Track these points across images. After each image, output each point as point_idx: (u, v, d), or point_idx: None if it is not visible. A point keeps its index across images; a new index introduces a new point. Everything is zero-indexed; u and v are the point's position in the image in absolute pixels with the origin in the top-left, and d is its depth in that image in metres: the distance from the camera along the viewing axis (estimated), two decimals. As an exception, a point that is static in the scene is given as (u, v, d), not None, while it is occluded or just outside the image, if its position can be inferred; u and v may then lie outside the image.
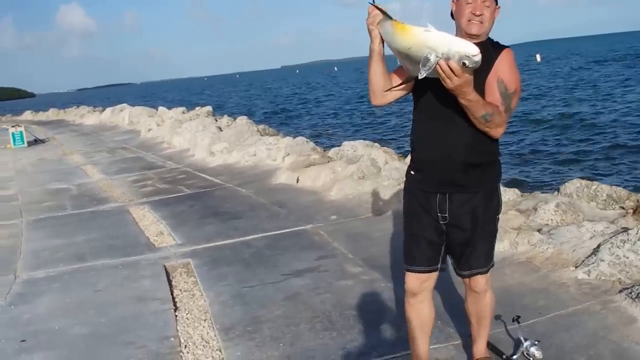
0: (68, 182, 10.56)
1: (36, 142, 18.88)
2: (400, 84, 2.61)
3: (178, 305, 4.43)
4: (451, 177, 2.63)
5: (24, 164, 13.84)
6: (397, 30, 2.32)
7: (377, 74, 2.63)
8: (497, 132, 2.54)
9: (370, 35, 2.53)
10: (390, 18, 2.39)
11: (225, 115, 17.15)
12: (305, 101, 43.38)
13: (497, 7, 2.60)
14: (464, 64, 2.18)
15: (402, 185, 2.93)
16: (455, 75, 2.23)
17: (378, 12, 2.45)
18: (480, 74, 2.39)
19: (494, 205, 2.74)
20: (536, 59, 64.00)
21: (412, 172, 2.79)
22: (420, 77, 2.25)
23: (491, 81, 2.51)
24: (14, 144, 17.68)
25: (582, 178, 6.14)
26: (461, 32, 2.59)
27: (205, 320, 4.11)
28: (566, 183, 6.07)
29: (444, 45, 2.18)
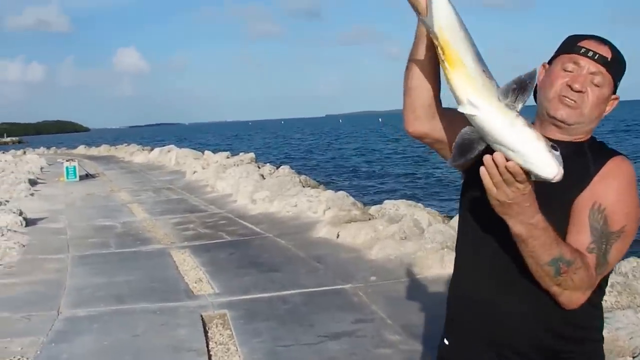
0: (114, 219, 10.70)
1: (87, 176, 19.33)
2: None
3: (213, 358, 4.36)
4: None
5: (74, 197, 14.13)
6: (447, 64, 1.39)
7: (421, 59, 1.58)
8: (571, 298, 1.48)
9: (416, 8, 1.50)
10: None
11: (268, 164, 17.32)
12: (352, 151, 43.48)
13: (615, 97, 1.64)
14: (527, 173, 1.33)
15: (447, 249, 2.28)
16: (513, 181, 1.32)
17: None
18: (563, 191, 1.45)
19: None
20: None
21: (446, 342, 1.77)
22: (450, 163, 1.46)
23: (581, 206, 1.50)
24: (67, 178, 18.13)
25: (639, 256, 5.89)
26: (542, 114, 1.65)
27: (239, 377, 4.02)
28: (621, 261, 5.83)
29: (517, 151, 1.31)
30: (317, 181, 15.54)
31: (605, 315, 4.35)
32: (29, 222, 9.96)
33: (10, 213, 9.72)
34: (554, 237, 1.42)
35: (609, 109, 1.65)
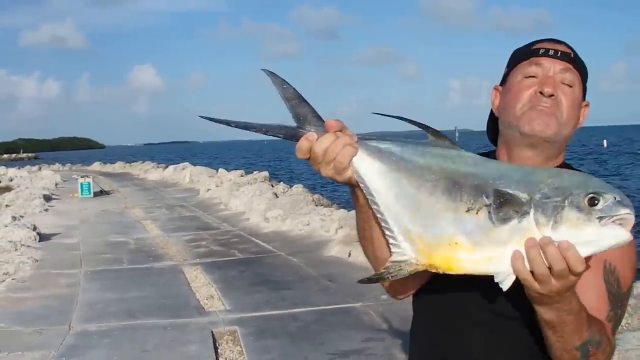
0: (127, 235, 10.79)
1: (101, 193, 19.51)
2: None
3: (222, 375, 4.37)
4: None
5: (88, 214, 14.27)
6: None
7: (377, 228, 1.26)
8: None
9: (347, 182, 1.23)
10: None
11: (282, 182, 17.38)
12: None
13: (585, 103, 1.44)
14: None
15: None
16: (567, 274, 1.08)
17: (348, 141, 1.19)
18: None
19: None
20: (603, 145, 58.51)
21: None
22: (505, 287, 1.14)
23: (593, 266, 1.18)
24: (81, 194, 18.31)
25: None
26: (509, 138, 1.41)
27: (248, 394, 4.02)
28: (633, 283, 5.77)
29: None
30: (330, 200, 15.56)
31: (615, 336, 4.30)
32: (43, 237, 10.08)
33: (24, 228, 9.84)
34: (585, 319, 1.19)
35: (581, 119, 1.44)
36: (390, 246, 1.18)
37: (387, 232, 1.19)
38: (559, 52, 1.39)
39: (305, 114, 1.22)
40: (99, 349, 4.91)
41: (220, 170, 21.39)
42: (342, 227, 9.45)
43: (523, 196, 1.10)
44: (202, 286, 6.94)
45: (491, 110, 1.51)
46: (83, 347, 4.95)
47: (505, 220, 1.10)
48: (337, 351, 4.71)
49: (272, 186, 16.00)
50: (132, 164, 38.01)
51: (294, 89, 1.22)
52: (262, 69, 1.25)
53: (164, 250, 9.36)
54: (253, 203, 12.66)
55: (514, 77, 1.42)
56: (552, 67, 1.38)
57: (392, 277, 1.18)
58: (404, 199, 1.17)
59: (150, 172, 29.36)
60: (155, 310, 5.95)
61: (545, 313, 1.17)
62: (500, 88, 1.48)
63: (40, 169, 37.66)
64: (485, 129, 1.57)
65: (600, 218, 1.07)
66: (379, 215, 1.20)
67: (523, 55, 1.43)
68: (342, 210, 10.86)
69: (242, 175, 19.40)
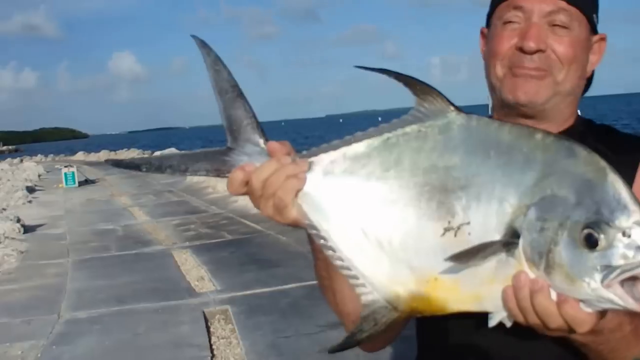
0: (114, 223, 10.90)
1: (87, 182, 19.57)
2: None
3: (215, 352, 4.53)
4: None
5: (74, 203, 14.36)
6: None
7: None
8: None
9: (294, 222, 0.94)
10: None
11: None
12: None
13: (599, 36, 1.15)
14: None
15: None
16: (567, 330, 0.85)
17: (292, 171, 0.92)
18: None
19: None
20: None
21: None
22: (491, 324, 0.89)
23: None
24: (66, 184, 18.37)
25: None
26: (498, 105, 1.17)
27: (240, 369, 4.17)
28: None
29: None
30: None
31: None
32: (28, 229, 10.18)
33: (7, 220, 9.91)
34: (630, 332, 0.96)
35: (595, 57, 1.13)
36: (360, 297, 0.92)
37: (352, 281, 0.93)
38: None
39: (240, 119, 0.95)
40: (90, 336, 5.04)
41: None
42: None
43: (508, 212, 0.84)
44: (192, 268, 7.08)
45: None
46: (73, 335, 5.08)
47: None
48: (326, 323, 4.85)
49: (261, 166, 16.09)
50: (117, 152, 38.01)
51: (229, 73, 0.95)
52: (191, 35, 0.98)
53: (152, 235, 9.48)
54: (242, 184, 12.74)
55: (493, 22, 1.15)
56: (536, 10, 1.08)
57: (367, 336, 0.90)
58: (367, 235, 0.92)
59: (136, 159, 29.35)
60: (146, 295, 6.08)
61: (576, 338, 0.93)
62: (486, 31, 1.20)
63: (22, 161, 37.59)
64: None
65: (604, 271, 0.78)
66: (338, 262, 0.93)
67: None
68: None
69: (230, 157, 19.44)
